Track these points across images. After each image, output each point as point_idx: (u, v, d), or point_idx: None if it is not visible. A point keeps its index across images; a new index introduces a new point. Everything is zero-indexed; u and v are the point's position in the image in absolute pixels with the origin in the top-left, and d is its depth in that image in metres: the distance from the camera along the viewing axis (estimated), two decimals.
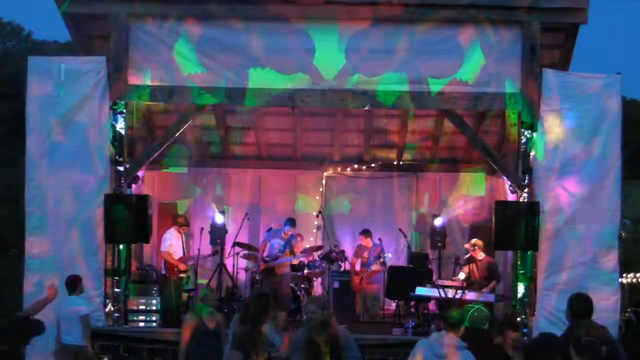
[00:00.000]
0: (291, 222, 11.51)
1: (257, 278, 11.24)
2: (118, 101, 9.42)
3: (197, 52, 9.41)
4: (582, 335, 4.84)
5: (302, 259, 11.64)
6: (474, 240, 10.82)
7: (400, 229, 12.32)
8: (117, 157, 9.44)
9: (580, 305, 6.14)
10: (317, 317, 5.57)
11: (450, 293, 10.17)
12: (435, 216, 12.60)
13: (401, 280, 11.14)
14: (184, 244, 11.23)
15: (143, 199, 9.42)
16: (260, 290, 7.00)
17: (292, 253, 11.24)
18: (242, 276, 12.32)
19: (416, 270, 11.40)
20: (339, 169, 13.27)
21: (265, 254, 11.35)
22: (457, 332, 5.70)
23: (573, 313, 6.07)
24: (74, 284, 8.37)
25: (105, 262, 9.22)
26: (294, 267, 11.36)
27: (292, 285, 11.07)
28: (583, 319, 5.92)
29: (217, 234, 12.27)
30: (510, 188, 9.69)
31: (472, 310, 9.16)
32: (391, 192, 13.18)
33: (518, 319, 9.30)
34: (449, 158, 13.12)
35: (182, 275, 10.96)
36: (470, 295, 10.10)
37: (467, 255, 10.96)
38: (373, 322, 11.27)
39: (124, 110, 9.56)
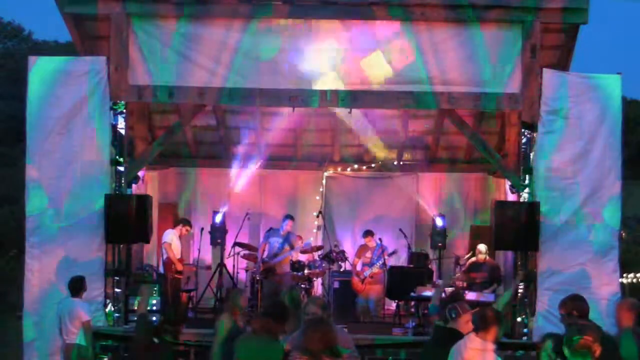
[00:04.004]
0: (289, 217, 11.54)
1: (258, 278, 11.25)
2: (118, 101, 9.41)
3: (197, 52, 9.39)
4: (575, 335, 4.83)
5: (304, 247, 11.61)
6: (484, 249, 10.79)
7: (400, 229, 12.31)
8: (117, 157, 9.43)
9: (578, 306, 6.16)
10: (315, 317, 5.55)
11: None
12: (435, 216, 12.61)
13: (401, 281, 11.15)
14: (182, 247, 11.32)
15: (143, 199, 9.41)
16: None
17: (292, 247, 11.27)
18: (242, 276, 12.32)
19: (416, 270, 11.40)
20: (339, 169, 13.28)
21: (265, 254, 11.38)
22: (485, 334, 5.58)
23: (569, 314, 6.08)
24: (77, 286, 8.34)
25: (105, 262, 9.21)
26: (294, 267, 11.37)
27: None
28: (581, 319, 5.91)
29: (217, 234, 12.29)
30: (510, 188, 9.69)
31: None
32: (391, 192, 13.17)
33: (518, 319, 9.32)
34: (449, 158, 13.13)
35: (178, 276, 10.98)
36: (470, 296, 10.11)
37: (468, 255, 10.97)
38: (373, 322, 11.26)
39: (124, 110, 9.55)
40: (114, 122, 9.43)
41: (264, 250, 11.49)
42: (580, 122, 9.15)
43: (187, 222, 11.60)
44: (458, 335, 5.86)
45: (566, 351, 4.73)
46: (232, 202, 13.02)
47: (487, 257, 10.91)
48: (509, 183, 9.75)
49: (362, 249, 11.95)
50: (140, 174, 9.95)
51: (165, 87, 9.42)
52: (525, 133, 9.50)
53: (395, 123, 12.58)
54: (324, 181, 13.24)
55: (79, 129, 9.15)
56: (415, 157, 13.29)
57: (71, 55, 10.00)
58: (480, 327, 5.56)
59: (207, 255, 12.58)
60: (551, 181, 9.13)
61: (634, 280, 16.86)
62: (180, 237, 11.37)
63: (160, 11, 9.35)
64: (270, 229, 11.90)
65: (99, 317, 8.94)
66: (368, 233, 11.88)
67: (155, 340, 6.91)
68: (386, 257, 11.57)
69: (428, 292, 10.66)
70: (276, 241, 11.38)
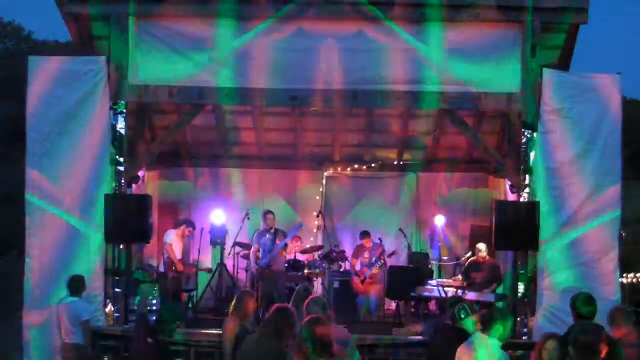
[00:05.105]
0: (269, 211, 11.36)
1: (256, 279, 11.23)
2: (118, 101, 9.41)
3: (197, 51, 9.40)
4: (580, 335, 4.85)
5: (293, 232, 11.46)
6: (484, 248, 10.77)
7: (400, 229, 12.31)
8: (117, 157, 9.43)
9: (586, 306, 6.18)
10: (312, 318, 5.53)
11: (451, 293, 10.18)
12: (435, 216, 12.60)
13: (401, 280, 11.15)
14: (183, 248, 11.31)
15: (143, 199, 9.42)
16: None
17: (285, 236, 11.20)
18: (242, 276, 12.32)
19: (416, 270, 11.40)
20: (339, 169, 13.28)
21: (260, 254, 11.29)
22: (491, 332, 5.67)
23: (578, 314, 6.11)
24: (77, 286, 8.35)
25: (105, 262, 9.21)
26: (294, 267, 11.35)
27: (291, 285, 11.04)
28: (588, 319, 5.93)
29: (217, 234, 12.29)
30: (510, 188, 9.68)
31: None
32: (391, 191, 13.19)
33: (518, 318, 9.32)
34: (449, 158, 13.13)
35: (178, 275, 10.98)
36: (470, 295, 10.11)
37: (468, 254, 10.95)
38: (373, 322, 11.27)
39: (124, 110, 9.55)
40: (114, 122, 9.43)
41: (257, 251, 11.42)
42: (580, 122, 9.14)
43: (190, 223, 11.55)
44: (466, 335, 5.95)
45: (572, 351, 4.75)
46: (232, 202, 13.03)
47: (487, 257, 10.91)
48: (509, 183, 9.74)
49: (359, 249, 11.97)
50: (140, 174, 9.95)
51: (165, 87, 9.42)
52: (525, 133, 9.49)
53: (395, 123, 12.58)
54: (324, 181, 13.25)
55: (79, 129, 9.13)
56: (415, 157, 13.29)
57: (71, 55, 9.99)
58: (486, 325, 5.66)
59: (207, 255, 12.58)
60: (551, 181, 9.12)
61: (634, 280, 16.85)
62: (182, 237, 11.36)
63: (160, 11, 9.35)
64: (257, 230, 11.70)
65: (98, 317, 8.94)
66: (365, 234, 11.89)
67: (149, 339, 6.92)
68: (385, 258, 11.58)
69: (427, 292, 10.69)
70: (267, 239, 11.32)
